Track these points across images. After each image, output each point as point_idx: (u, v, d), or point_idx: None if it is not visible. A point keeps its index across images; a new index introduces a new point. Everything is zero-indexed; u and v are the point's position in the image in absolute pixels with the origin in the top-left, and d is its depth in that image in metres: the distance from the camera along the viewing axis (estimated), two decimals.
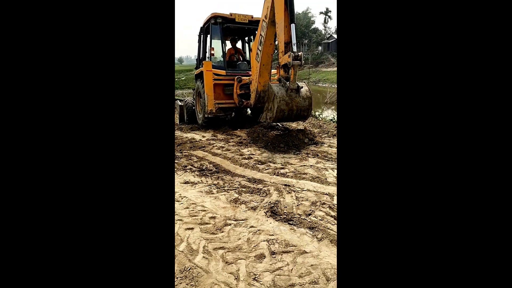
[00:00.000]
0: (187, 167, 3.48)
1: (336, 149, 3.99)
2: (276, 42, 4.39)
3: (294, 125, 5.67)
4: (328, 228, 1.99)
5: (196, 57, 6.77)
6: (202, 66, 5.66)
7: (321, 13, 49.59)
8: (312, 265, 1.63)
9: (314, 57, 38.88)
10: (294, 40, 3.75)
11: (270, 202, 2.42)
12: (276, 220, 2.14)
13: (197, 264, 1.67)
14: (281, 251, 1.76)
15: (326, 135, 5.01)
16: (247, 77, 5.38)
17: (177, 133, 5.73)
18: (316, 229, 1.99)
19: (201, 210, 2.35)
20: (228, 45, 6.47)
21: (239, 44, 6.76)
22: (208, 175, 3.19)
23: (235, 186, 2.86)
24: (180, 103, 7.30)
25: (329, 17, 47.55)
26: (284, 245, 1.82)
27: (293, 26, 3.76)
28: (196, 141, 4.87)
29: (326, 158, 3.62)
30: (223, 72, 5.58)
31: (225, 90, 5.61)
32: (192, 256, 1.75)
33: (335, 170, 3.17)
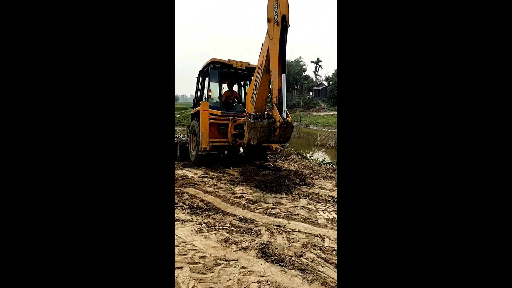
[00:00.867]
0: (178, 204, 3.44)
1: (327, 191, 4.06)
2: (270, 87, 4.70)
3: (285, 165, 5.77)
4: (319, 270, 1.98)
5: (194, 97, 7.07)
6: (199, 106, 5.92)
7: (312, 62, 52.95)
8: None
9: (305, 102, 40.90)
10: (284, 106, 4.00)
11: (261, 242, 2.41)
12: (267, 261, 2.12)
13: None
14: None
15: (317, 176, 5.10)
16: (242, 118, 5.63)
17: None
18: (307, 271, 1.97)
19: (191, 249, 2.30)
20: (225, 87, 6.85)
21: (235, 88, 7.17)
22: (199, 213, 3.16)
23: (226, 225, 2.83)
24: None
25: (320, 66, 50.60)
26: (275, 287, 1.79)
27: (283, 76, 4.05)
28: (188, 178, 4.87)
29: (317, 200, 3.66)
30: (218, 112, 5.86)
31: (220, 129, 5.84)
32: None
33: (326, 212, 3.21)
